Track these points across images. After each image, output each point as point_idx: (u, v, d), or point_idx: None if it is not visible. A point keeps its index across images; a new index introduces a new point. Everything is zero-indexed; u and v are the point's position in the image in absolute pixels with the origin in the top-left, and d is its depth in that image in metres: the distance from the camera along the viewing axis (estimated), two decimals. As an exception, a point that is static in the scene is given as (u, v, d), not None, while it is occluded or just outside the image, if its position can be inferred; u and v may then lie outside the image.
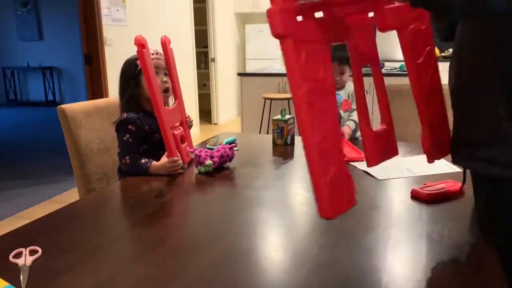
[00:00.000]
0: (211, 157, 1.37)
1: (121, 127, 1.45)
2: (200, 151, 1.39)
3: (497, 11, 0.71)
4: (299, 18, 0.74)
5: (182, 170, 1.39)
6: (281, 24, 0.71)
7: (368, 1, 0.85)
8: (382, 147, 0.92)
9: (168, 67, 1.49)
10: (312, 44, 0.75)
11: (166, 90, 1.48)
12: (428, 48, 0.94)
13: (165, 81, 1.48)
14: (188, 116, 1.60)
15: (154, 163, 1.38)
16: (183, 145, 1.45)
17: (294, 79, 0.73)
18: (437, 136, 0.97)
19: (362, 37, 0.91)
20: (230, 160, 1.44)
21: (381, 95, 0.95)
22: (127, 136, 1.43)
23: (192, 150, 1.42)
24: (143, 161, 1.39)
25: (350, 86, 2.18)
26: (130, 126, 1.44)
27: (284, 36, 0.72)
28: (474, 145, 0.83)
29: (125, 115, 1.45)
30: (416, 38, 0.92)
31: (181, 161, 1.39)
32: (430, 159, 0.99)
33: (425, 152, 0.99)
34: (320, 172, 0.74)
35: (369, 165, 0.89)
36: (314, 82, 0.74)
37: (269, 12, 0.71)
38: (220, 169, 1.41)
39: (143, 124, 1.46)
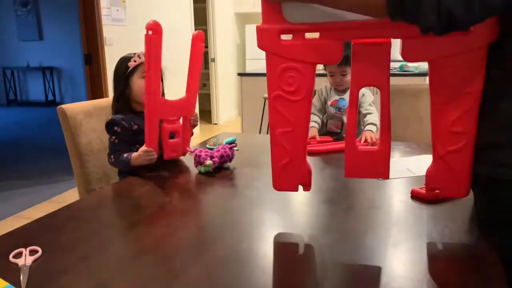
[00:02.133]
0: (211, 157, 1.37)
1: (108, 129, 1.48)
2: (200, 151, 1.39)
3: (473, 24, 0.72)
4: (287, 37, 0.89)
5: (154, 157, 1.38)
6: (263, 41, 0.90)
7: (386, 28, 0.84)
8: (364, 166, 0.98)
9: (193, 64, 1.47)
10: (290, 62, 0.90)
11: None
12: (466, 90, 0.84)
13: None
14: (195, 114, 1.58)
15: (134, 154, 1.40)
16: (173, 140, 1.45)
17: (268, 85, 0.93)
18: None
19: (370, 59, 0.90)
20: (230, 160, 1.44)
21: (384, 118, 0.93)
22: (114, 137, 1.46)
23: (192, 150, 1.42)
24: (125, 155, 1.41)
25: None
26: (115, 128, 1.46)
27: (264, 50, 0.90)
28: (488, 148, 0.83)
29: (110, 117, 1.47)
30: (450, 73, 0.85)
31: (155, 153, 1.38)
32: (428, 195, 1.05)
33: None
34: (275, 158, 1.00)
35: (345, 175, 0.99)
36: (284, 92, 0.92)
37: (257, 29, 0.89)
38: (220, 169, 1.41)
39: (131, 125, 1.47)
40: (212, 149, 1.44)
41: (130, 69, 1.47)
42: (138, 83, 1.48)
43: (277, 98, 0.93)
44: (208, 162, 1.36)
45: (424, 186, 1.16)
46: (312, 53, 0.89)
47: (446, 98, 0.87)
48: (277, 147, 0.98)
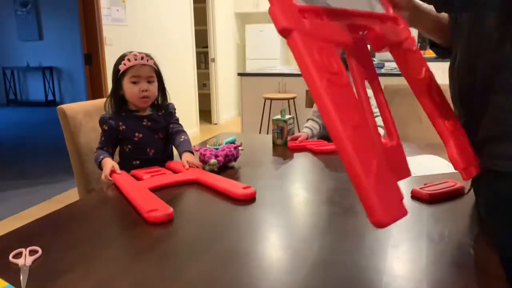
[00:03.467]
0: (216, 156, 1.39)
1: (100, 126, 1.49)
2: (205, 150, 1.40)
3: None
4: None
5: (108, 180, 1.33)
6: (283, 17, 0.68)
7: (362, 19, 0.82)
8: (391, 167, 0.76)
9: None
10: (318, 41, 0.70)
11: (145, 96, 1.48)
12: (424, 68, 0.91)
13: (144, 90, 1.46)
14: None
15: (105, 160, 1.38)
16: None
17: (309, 71, 0.66)
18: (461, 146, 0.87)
19: (360, 53, 0.85)
20: (235, 159, 1.46)
21: (384, 108, 0.90)
22: (101, 134, 1.48)
23: (197, 149, 1.44)
24: (101, 156, 1.41)
25: None
26: (104, 126, 1.48)
27: (290, 29, 0.68)
28: (485, 141, 0.84)
29: (101, 115, 1.49)
30: (410, 57, 0.89)
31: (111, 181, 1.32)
32: (466, 175, 0.87)
33: (458, 168, 0.87)
34: (361, 168, 0.62)
35: None
36: (330, 74, 0.68)
37: (270, 11, 0.70)
38: (224, 168, 1.42)
39: (118, 124, 1.47)
40: (217, 148, 1.45)
41: (121, 71, 1.46)
42: (127, 86, 1.47)
43: (329, 84, 0.67)
44: (213, 161, 1.37)
45: (424, 185, 1.17)
46: (333, 33, 0.75)
47: (417, 75, 0.90)
48: (357, 150, 0.64)
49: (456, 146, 0.86)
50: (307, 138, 1.85)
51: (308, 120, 2.07)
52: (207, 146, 1.58)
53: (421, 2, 0.92)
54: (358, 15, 0.81)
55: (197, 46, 5.42)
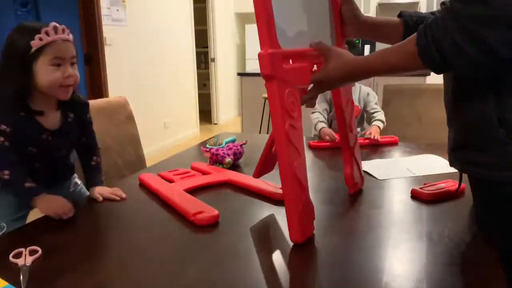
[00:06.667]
0: (228, 155, 1.42)
1: None
2: (217, 150, 1.43)
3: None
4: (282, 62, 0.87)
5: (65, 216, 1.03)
6: (270, 65, 0.82)
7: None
8: None
9: None
10: (290, 87, 0.86)
11: (69, 84, 1.08)
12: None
13: (68, 76, 1.06)
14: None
15: (45, 197, 1.06)
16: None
17: (278, 116, 0.83)
18: None
19: None
20: (241, 157, 1.49)
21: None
22: (2, 139, 1.05)
23: (207, 149, 1.44)
24: (27, 184, 1.06)
25: (362, 89, 2.11)
26: (4, 127, 1.05)
27: (273, 76, 0.82)
28: (467, 149, 0.84)
29: None
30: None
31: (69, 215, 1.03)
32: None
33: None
34: (294, 199, 0.86)
35: None
36: (291, 119, 0.85)
37: (260, 55, 0.82)
38: (232, 167, 1.43)
39: (23, 127, 1.08)
40: (222, 147, 1.47)
41: (33, 49, 1.02)
42: (44, 71, 1.04)
43: (289, 128, 0.84)
44: (228, 160, 1.41)
45: (424, 185, 1.17)
46: (300, 76, 0.90)
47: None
48: (294, 185, 0.86)
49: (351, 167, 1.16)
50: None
51: (313, 112, 2.05)
52: (207, 145, 1.58)
53: (366, 17, 1.06)
54: (314, 53, 0.94)
55: (197, 46, 5.42)
